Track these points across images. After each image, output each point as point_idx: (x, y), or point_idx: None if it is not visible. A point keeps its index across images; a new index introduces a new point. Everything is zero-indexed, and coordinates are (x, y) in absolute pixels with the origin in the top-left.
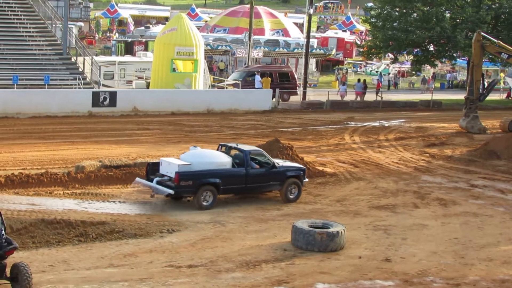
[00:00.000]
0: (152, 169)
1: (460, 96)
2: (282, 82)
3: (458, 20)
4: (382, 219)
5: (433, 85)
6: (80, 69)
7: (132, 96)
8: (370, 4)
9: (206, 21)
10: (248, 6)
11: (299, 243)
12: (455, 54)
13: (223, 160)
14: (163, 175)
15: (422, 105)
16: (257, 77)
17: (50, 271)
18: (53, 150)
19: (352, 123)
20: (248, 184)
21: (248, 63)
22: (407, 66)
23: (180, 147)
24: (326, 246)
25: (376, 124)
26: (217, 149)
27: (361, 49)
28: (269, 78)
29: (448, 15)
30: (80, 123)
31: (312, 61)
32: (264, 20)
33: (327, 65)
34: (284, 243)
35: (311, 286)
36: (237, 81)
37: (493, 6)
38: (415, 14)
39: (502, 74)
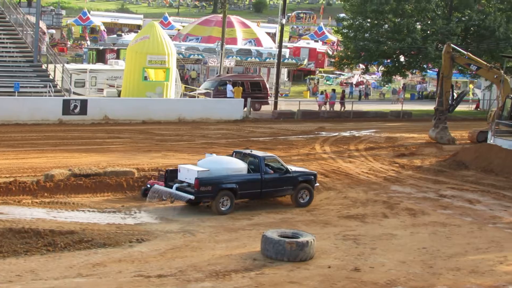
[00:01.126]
0: (170, 176)
1: (430, 106)
2: (254, 91)
3: (428, 32)
4: (351, 229)
5: (403, 96)
6: (50, 77)
7: (103, 104)
8: (342, 15)
9: (178, 30)
10: (221, 15)
11: (269, 253)
12: (425, 65)
13: (239, 166)
14: (182, 182)
15: (392, 116)
16: (229, 86)
17: (18, 281)
18: (22, 158)
19: (323, 133)
20: (264, 189)
21: (220, 72)
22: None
23: (151, 155)
24: (296, 256)
25: (346, 134)
26: (232, 155)
27: (333, 60)
28: (241, 88)
29: (419, 26)
30: (50, 131)
31: (284, 71)
32: (236, 29)
33: (299, 75)
34: (254, 253)
35: None
36: (208, 90)
37: (463, 19)
38: (386, 26)
39: (471, 86)
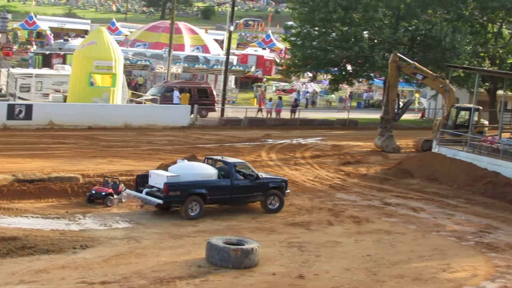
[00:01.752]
0: (141, 181)
1: (376, 115)
2: (201, 98)
3: (375, 41)
4: (296, 236)
5: (350, 104)
6: None
7: (49, 110)
8: (290, 23)
9: (126, 36)
10: (168, 21)
11: (214, 260)
12: (372, 74)
13: (209, 172)
14: (152, 187)
15: (338, 124)
16: (176, 93)
17: None
18: None
19: (269, 140)
20: (233, 194)
21: (167, 79)
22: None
23: (96, 161)
24: (241, 263)
25: (293, 141)
26: (204, 162)
27: (280, 67)
28: (188, 94)
29: (366, 35)
30: None
31: (231, 78)
32: (184, 36)
33: (246, 82)
34: (199, 260)
35: None
36: (155, 97)
37: (410, 28)
38: (334, 34)
39: (417, 95)
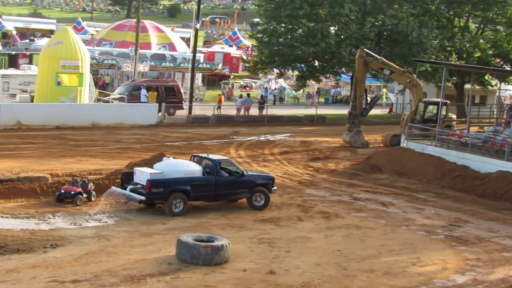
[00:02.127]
0: (126, 178)
1: (344, 111)
2: (168, 96)
3: (342, 37)
4: (266, 232)
5: (317, 100)
6: None
7: (16, 110)
8: (256, 20)
9: (92, 35)
10: (134, 20)
11: (184, 257)
12: (339, 70)
13: (193, 169)
14: (136, 184)
15: (306, 120)
16: (143, 91)
17: None
18: None
19: (237, 137)
20: (218, 191)
21: (134, 77)
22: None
23: (65, 161)
24: (211, 260)
25: (261, 138)
26: (190, 159)
27: (247, 64)
28: (155, 93)
29: (333, 31)
30: None
31: (199, 76)
32: (150, 34)
33: (213, 80)
34: (169, 257)
35: None
36: (123, 95)
37: (376, 23)
38: (300, 30)
39: (384, 90)
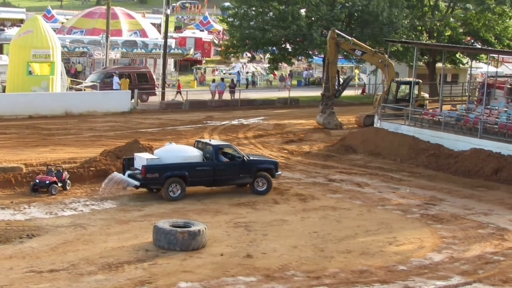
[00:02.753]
0: (127, 164)
1: (317, 93)
2: (141, 83)
3: (313, 19)
4: (242, 216)
5: (290, 83)
6: None
7: None
8: (227, 4)
9: (62, 23)
10: (104, 7)
11: (161, 243)
12: (311, 52)
13: (191, 154)
14: (135, 169)
15: (279, 103)
16: (115, 79)
17: None
18: None
19: (211, 122)
20: (217, 176)
21: (106, 65)
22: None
23: (38, 150)
24: (188, 245)
25: (235, 122)
26: (194, 145)
27: (219, 49)
28: (127, 79)
29: (304, 13)
30: None
31: (171, 61)
32: (121, 21)
33: (186, 65)
34: (146, 244)
35: (174, 286)
36: (95, 83)
37: (347, 4)
38: (271, 13)
39: (356, 71)
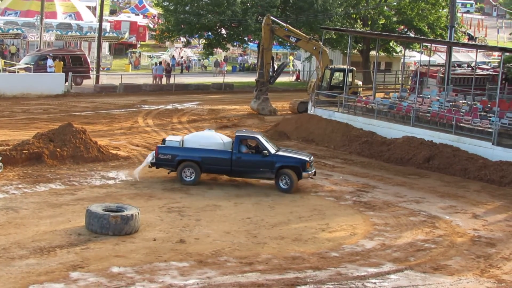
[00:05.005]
0: None
1: (251, 78)
2: (75, 66)
3: (248, 4)
4: (176, 201)
5: (225, 68)
6: None
7: None
8: None
9: None
10: None
11: (94, 227)
12: (246, 38)
13: (210, 142)
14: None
15: (214, 88)
16: (49, 61)
17: None
18: None
19: (145, 106)
20: (234, 167)
21: (40, 47)
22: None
23: None
24: (121, 230)
25: (169, 107)
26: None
27: (154, 33)
28: (62, 62)
29: None
30: None
31: (105, 45)
32: (56, 3)
33: (120, 49)
34: (79, 228)
35: (106, 270)
36: (28, 65)
37: None
38: None
39: (291, 57)
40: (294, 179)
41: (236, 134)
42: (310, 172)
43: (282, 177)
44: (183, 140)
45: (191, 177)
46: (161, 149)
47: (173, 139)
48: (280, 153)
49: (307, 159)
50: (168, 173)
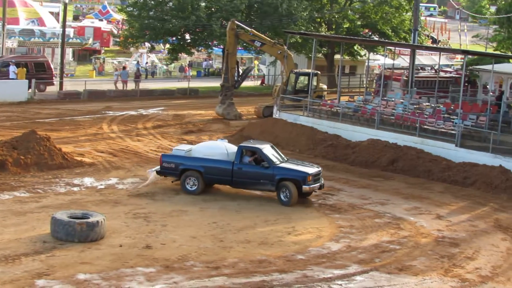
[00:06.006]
0: None
1: (216, 83)
2: (38, 72)
3: (213, 9)
4: (142, 207)
5: (190, 73)
6: None
7: None
8: None
9: None
10: None
11: (59, 235)
12: (210, 43)
13: (214, 151)
14: None
15: (179, 93)
16: (12, 68)
17: None
18: None
19: (110, 112)
20: (235, 178)
21: (2, 53)
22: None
23: None
24: (87, 236)
25: (134, 113)
26: None
27: (118, 39)
28: (25, 69)
29: (203, 4)
30: None
31: (69, 51)
32: (18, 9)
33: (84, 55)
34: (44, 235)
35: (72, 277)
36: None
37: None
38: (171, 3)
39: (256, 62)
40: (294, 192)
41: (240, 144)
42: (312, 186)
43: (282, 189)
44: (191, 150)
45: (194, 187)
46: (165, 157)
47: (181, 148)
48: (283, 165)
49: (310, 172)
50: (172, 181)
